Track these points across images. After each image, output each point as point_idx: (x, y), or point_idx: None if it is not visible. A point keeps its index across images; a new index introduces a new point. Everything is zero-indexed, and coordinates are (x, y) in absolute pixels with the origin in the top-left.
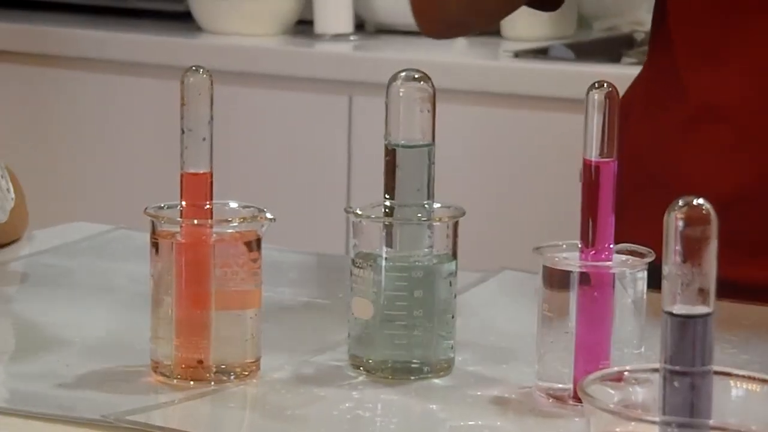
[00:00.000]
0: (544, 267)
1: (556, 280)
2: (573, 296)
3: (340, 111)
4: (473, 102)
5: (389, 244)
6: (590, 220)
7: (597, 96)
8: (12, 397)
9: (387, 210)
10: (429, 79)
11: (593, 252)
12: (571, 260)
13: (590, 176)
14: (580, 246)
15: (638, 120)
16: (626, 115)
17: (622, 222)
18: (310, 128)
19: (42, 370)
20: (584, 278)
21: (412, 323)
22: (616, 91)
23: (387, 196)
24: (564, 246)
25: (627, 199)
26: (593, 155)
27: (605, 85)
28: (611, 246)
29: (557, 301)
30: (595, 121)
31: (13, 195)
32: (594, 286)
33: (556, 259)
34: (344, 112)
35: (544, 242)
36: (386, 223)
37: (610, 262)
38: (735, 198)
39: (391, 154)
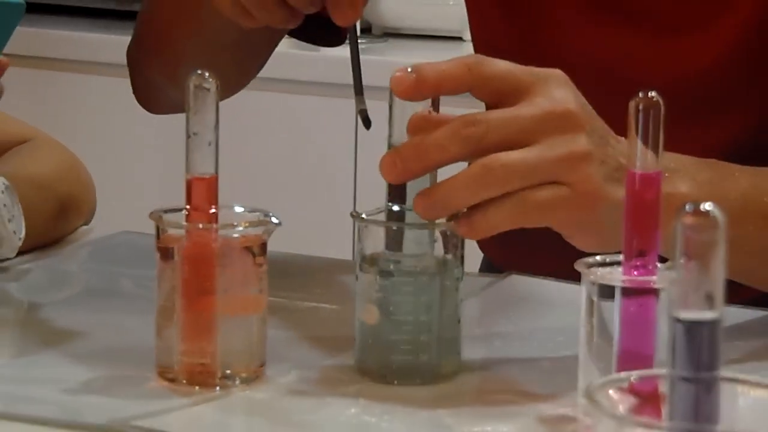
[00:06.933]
0: (588, 282)
1: (601, 295)
2: (617, 311)
3: (346, 115)
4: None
5: (395, 248)
6: (634, 233)
7: (637, 104)
8: (16, 402)
9: (393, 214)
10: None
11: (638, 265)
12: (616, 275)
13: (633, 187)
14: (623, 260)
15: None
16: None
17: None
18: (317, 132)
19: (47, 374)
20: (629, 293)
21: (419, 328)
22: (660, 100)
23: (392, 200)
24: (607, 260)
25: None
26: (636, 166)
27: (649, 94)
28: (656, 259)
29: (602, 318)
30: (635, 130)
31: (22, 233)
32: (639, 300)
33: (600, 274)
34: (351, 115)
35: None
36: (393, 227)
37: (655, 277)
38: None
39: None
